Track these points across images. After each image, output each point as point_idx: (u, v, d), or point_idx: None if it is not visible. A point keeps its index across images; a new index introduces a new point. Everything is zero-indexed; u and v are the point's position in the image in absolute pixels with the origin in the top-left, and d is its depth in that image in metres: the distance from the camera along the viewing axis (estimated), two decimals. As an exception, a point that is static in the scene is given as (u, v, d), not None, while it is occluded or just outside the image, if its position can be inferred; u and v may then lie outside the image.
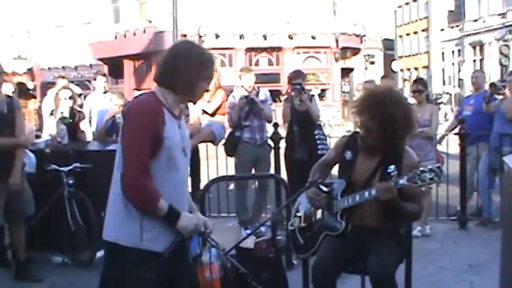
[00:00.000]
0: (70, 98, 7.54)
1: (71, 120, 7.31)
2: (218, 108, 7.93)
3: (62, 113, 7.30)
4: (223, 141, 7.84)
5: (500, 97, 8.04)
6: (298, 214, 4.52)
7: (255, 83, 7.79)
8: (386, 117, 3.81)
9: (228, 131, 7.81)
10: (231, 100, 7.77)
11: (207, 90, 3.27)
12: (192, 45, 3.17)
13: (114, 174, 3.05)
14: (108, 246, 3.05)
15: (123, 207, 2.96)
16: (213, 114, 7.85)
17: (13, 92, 8.18)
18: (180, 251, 3.19)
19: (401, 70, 49.77)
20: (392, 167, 3.91)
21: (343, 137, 4.42)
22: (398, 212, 3.88)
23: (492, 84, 8.39)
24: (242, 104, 7.48)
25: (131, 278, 2.97)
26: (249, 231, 6.36)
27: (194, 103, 3.32)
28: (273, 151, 7.93)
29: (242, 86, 7.74)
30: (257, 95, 7.54)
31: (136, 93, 33.49)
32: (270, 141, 7.92)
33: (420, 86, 7.60)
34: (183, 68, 3.02)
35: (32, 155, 6.33)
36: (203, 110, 7.74)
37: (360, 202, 3.94)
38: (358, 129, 4.17)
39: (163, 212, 2.94)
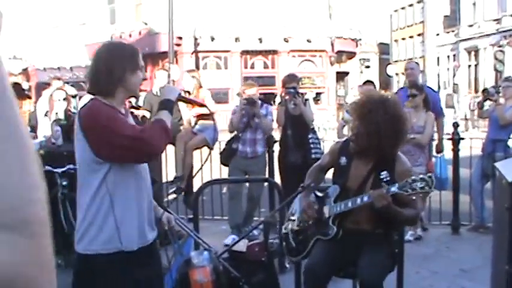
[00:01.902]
0: (64, 99, 7.54)
1: (65, 122, 7.31)
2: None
3: (56, 114, 7.29)
4: (220, 149, 7.82)
5: (492, 103, 8.04)
6: (292, 218, 4.53)
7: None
8: (374, 123, 3.84)
9: (226, 135, 7.79)
10: (234, 108, 7.79)
11: (145, 79, 3.26)
12: (110, 44, 3.31)
13: (79, 187, 3.08)
14: (85, 259, 3.03)
15: (94, 217, 2.99)
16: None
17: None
18: (153, 252, 3.21)
19: (397, 74, 49.78)
20: (384, 173, 3.93)
21: (337, 143, 4.44)
22: (394, 217, 3.90)
23: (485, 90, 8.40)
24: (243, 105, 7.48)
25: (113, 283, 3.00)
26: (236, 237, 6.36)
27: (136, 97, 3.34)
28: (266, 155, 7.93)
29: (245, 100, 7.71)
30: (260, 106, 7.50)
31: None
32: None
33: (414, 90, 7.47)
34: (108, 68, 3.01)
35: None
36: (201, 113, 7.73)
37: (352, 208, 3.96)
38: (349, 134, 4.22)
39: (166, 112, 3.11)
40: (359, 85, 9.16)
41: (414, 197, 3.82)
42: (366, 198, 3.84)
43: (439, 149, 8.03)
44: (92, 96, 3.09)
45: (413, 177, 3.70)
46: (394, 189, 3.72)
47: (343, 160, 4.16)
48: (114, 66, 3.01)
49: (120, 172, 2.99)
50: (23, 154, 0.78)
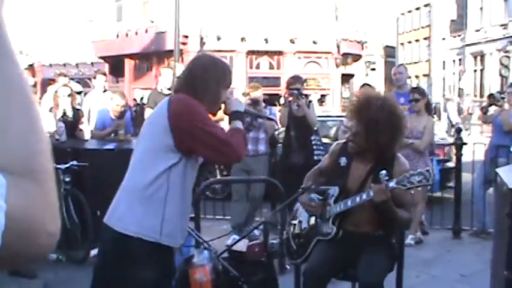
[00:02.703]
0: (69, 95, 7.57)
1: (72, 118, 7.34)
2: None
3: (64, 110, 7.33)
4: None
5: (496, 108, 8.04)
6: (293, 222, 4.54)
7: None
8: (370, 121, 3.87)
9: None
10: None
11: (228, 98, 3.37)
12: (212, 57, 3.41)
13: (135, 167, 3.13)
14: (121, 239, 3.02)
15: (146, 202, 3.02)
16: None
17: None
18: (172, 253, 3.25)
19: (402, 77, 49.80)
20: (383, 172, 3.95)
21: (337, 144, 4.45)
22: (389, 216, 3.90)
23: (491, 95, 8.38)
24: (247, 104, 7.50)
25: (143, 272, 3.01)
26: (237, 237, 6.37)
27: (214, 115, 3.41)
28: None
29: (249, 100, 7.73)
30: (264, 108, 7.52)
31: (137, 92, 33.57)
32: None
33: (416, 94, 7.44)
34: (211, 79, 3.19)
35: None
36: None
37: (352, 207, 3.97)
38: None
39: (238, 125, 3.27)
40: (359, 89, 9.16)
41: (412, 191, 3.82)
42: (364, 196, 3.86)
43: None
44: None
45: (411, 172, 3.73)
46: (392, 184, 3.74)
47: (343, 161, 4.17)
48: (214, 80, 3.20)
49: (185, 169, 3.06)
50: (31, 111, 0.91)
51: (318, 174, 4.42)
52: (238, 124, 3.25)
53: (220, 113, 7.93)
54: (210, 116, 3.24)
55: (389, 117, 3.93)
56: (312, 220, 4.33)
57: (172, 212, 3.03)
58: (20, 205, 0.85)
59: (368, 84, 9.39)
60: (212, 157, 3.26)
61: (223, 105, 3.30)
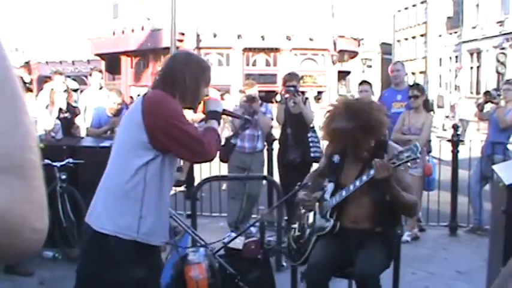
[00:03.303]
0: (65, 91, 7.55)
1: (69, 114, 7.32)
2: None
3: (60, 107, 7.33)
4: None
5: (494, 105, 8.05)
6: (294, 225, 4.53)
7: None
8: (352, 115, 3.90)
9: (226, 134, 7.81)
10: (234, 107, 7.80)
11: (207, 95, 3.35)
12: (190, 54, 3.40)
13: (112, 165, 3.12)
14: (99, 238, 3.01)
15: (122, 200, 2.99)
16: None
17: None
18: (159, 254, 3.24)
19: (399, 74, 49.80)
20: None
21: (328, 146, 4.46)
22: (393, 196, 3.88)
23: (487, 92, 8.38)
24: (243, 101, 7.49)
25: (123, 271, 2.98)
26: (233, 235, 6.37)
27: (195, 111, 3.40)
28: (266, 153, 7.94)
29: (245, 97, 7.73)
30: (260, 105, 7.51)
31: (133, 89, 33.56)
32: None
33: (416, 91, 7.44)
34: (188, 76, 3.16)
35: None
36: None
37: (347, 195, 3.97)
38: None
39: (213, 124, 3.27)
40: (358, 87, 9.16)
41: (402, 168, 3.82)
42: (365, 177, 3.86)
43: (427, 150, 8.02)
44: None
45: (399, 149, 3.73)
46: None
47: (336, 158, 4.18)
48: (195, 78, 3.19)
49: (162, 165, 3.03)
50: (17, 104, 0.88)
51: (317, 175, 4.42)
52: (214, 124, 3.28)
53: (189, 115, 7.98)
54: (192, 113, 3.27)
55: (369, 111, 3.97)
56: (311, 218, 4.33)
57: (150, 210, 3.01)
58: (6, 201, 0.83)
59: (366, 81, 9.39)
60: (185, 155, 3.30)
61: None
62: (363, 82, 9.16)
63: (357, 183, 3.89)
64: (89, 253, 3.12)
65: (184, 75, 3.15)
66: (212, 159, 3.33)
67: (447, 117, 30.10)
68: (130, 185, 2.98)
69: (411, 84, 8.21)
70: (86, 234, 3.11)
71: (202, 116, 7.97)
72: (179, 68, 3.17)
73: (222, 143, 7.59)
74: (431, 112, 7.99)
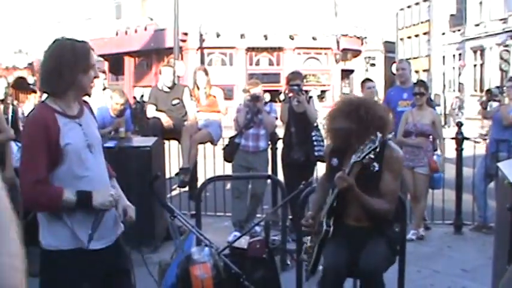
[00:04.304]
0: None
1: None
2: (214, 106, 8.05)
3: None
4: (223, 145, 7.85)
5: (497, 103, 8.02)
6: (305, 239, 4.52)
7: None
8: (353, 115, 3.90)
9: (232, 133, 7.81)
10: (238, 106, 7.80)
11: (96, 77, 3.19)
12: (62, 42, 3.12)
13: None
14: (48, 255, 3.07)
15: (49, 215, 3.01)
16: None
17: (6, 87, 8.13)
18: (118, 249, 3.21)
19: (402, 73, 49.72)
20: (335, 160, 4.01)
21: (327, 146, 4.45)
22: (361, 203, 3.92)
23: (488, 91, 8.36)
24: (247, 101, 7.49)
25: (70, 280, 3.00)
26: (238, 234, 6.37)
27: (89, 95, 3.24)
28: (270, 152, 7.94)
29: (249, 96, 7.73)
30: (264, 104, 7.51)
31: (136, 90, 33.56)
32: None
33: (422, 88, 7.46)
34: (58, 69, 2.97)
35: (20, 149, 6.34)
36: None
37: (333, 201, 3.97)
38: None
39: (73, 201, 2.92)
40: (361, 85, 9.16)
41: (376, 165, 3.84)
42: (336, 189, 3.91)
43: (433, 148, 8.02)
44: (42, 99, 3.13)
45: (366, 142, 3.74)
46: (352, 160, 3.81)
47: (335, 161, 4.17)
48: (67, 68, 2.96)
49: (62, 171, 2.97)
50: (3, 222, 0.83)
51: (325, 180, 4.39)
52: (69, 194, 2.93)
53: (192, 115, 8.01)
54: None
55: (366, 111, 3.98)
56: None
57: (76, 216, 2.98)
58: None
59: (369, 79, 9.38)
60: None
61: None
62: (367, 80, 9.16)
63: (336, 189, 3.92)
64: (43, 274, 3.23)
65: (58, 69, 2.98)
66: (30, 209, 3.19)
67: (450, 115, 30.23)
68: None
69: (415, 82, 8.20)
70: None
71: (203, 114, 8.03)
72: (49, 63, 3.04)
73: (226, 142, 7.63)
74: (436, 108, 7.99)
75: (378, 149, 3.72)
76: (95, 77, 3.13)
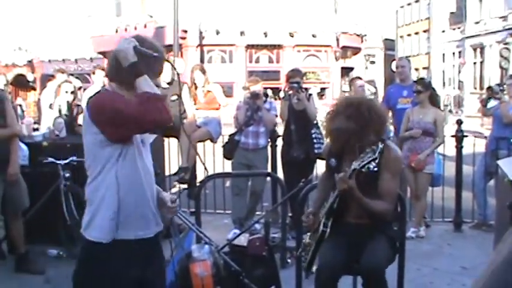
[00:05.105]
0: (72, 92, 7.56)
1: (67, 115, 7.32)
2: (212, 103, 8.05)
3: (59, 106, 7.32)
4: (223, 142, 7.84)
5: (497, 101, 8.01)
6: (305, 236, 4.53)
7: None
8: (352, 115, 3.91)
9: (229, 129, 7.80)
10: (238, 104, 7.79)
11: (160, 72, 3.23)
12: (144, 40, 3.15)
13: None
14: (87, 245, 3.05)
15: (96, 204, 3.00)
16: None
17: (5, 85, 8.15)
18: (155, 247, 3.20)
19: (402, 70, 49.70)
20: (332, 160, 4.01)
21: (326, 145, 4.46)
22: (360, 205, 3.92)
23: (489, 88, 8.35)
24: (247, 98, 7.49)
25: (105, 271, 2.98)
26: (238, 232, 6.36)
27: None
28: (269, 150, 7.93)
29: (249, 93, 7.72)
30: (264, 102, 7.50)
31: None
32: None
33: (420, 86, 7.41)
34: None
35: (24, 147, 6.34)
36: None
37: (333, 202, 3.98)
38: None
39: (143, 79, 2.93)
40: (349, 82, 9.15)
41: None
42: (337, 191, 3.92)
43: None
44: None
45: (367, 150, 3.74)
46: (353, 167, 3.80)
47: (333, 162, 4.17)
48: (142, 65, 2.99)
49: (122, 162, 2.98)
50: None
51: (325, 179, 4.39)
52: (146, 82, 2.94)
53: (191, 113, 7.99)
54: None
55: (367, 111, 3.99)
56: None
57: (123, 207, 2.98)
58: None
59: (359, 77, 9.38)
60: (113, 135, 2.95)
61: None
62: (357, 78, 9.16)
63: (336, 191, 3.92)
64: (81, 265, 3.15)
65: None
66: (166, 123, 2.97)
67: (450, 111, 30.28)
68: (99, 188, 3.01)
69: (415, 80, 8.18)
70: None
71: (201, 112, 8.02)
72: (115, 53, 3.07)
73: (226, 139, 7.63)
74: (440, 108, 7.96)
75: (377, 160, 3.73)
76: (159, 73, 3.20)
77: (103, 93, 3.09)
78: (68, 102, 7.43)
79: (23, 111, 11.39)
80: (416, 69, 51.67)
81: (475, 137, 8.66)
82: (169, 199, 3.25)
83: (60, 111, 7.31)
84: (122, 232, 2.98)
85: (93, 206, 3.01)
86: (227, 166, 8.02)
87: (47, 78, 23.88)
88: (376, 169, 3.89)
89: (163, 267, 3.36)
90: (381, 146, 3.75)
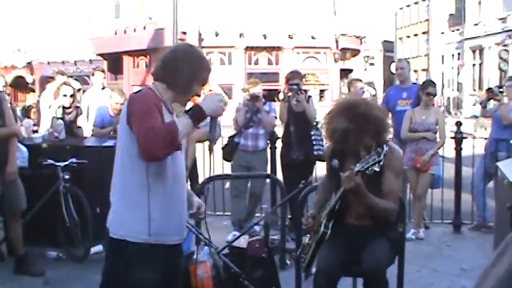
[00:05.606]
0: (71, 96, 7.55)
1: (62, 118, 7.32)
2: None
3: (58, 107, 7.32)
4: (222, 144, 7.82)
5: (497, 102, 8.02)
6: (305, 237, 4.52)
7: None
8: (351, 116, 3.91)
9: (229, 131, 7.79)
10: (237, 106, 7.79)
11: (198, 95, 3.28)
12: (194, 48, 3.23)
13: (117, 170, 3.08)
14: (115, 243, 3.05)
15: (130, 204, 3.01)
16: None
17: (4, 86, 8.13)
18: (179, 252, 3.22)
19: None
20: (335, 161, 4.01)
21: (328, 146, 4.45)
22: (367, 203, 3.91)
23: (489, 89, 8.35)
24: (246, 100, 7.49)
25: (137, 273, 2.99)
26: (237, 234, 6.35)
27: (184, 105, 3.30)
28: (269, 151, 7.93)
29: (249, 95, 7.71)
30: (264, 104, 7.50)
31: (136, 89, 33.62)
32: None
33: (433, 89, 7.49)
34: (185, 68, 3.06)
35: (24, 148, 6.34)
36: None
37: (335, 203, 3.97)
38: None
39: (188, 122, 2.95)
40: (347, 84, 9.14)
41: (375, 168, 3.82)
42: (342, 189, 3.90)
43: None
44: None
45: (371, 153, 3.74)
46: (356, 168, 3.78)
47: (335, 162, 4.17)
48: (192, 71, 3.09)
49: (163, 165, 2.99)
50: None
51: (325, 183, 4.39)
52: (182, 121, 2.95)
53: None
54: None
55: (365, 113, 3.97)
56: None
57: (159, 211, 3.00)
58: None
59: (359, 79, 9.37)
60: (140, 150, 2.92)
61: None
62: (356, 80, 9.16)
63: (341, 189, 3.92)
64: (108, 256, 3.15)
65: (183, 67, 3.07)
66: (149, 160, 2.94)
67: (449, 112, 30.32)
68: (135, 189, 2.99)
69: (424, 81, 8.17)
70: (107, 237, 3.13)
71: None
72: (181, 60, 3.09)
73: (225, 141, 7.62)
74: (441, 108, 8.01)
75: (382, 162, 3.72)
76: (197, 95, 3.28)
77: (147, 96, 3.06)
78: (63, 106, 7.41)
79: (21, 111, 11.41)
80: (416, 71, 51.68)
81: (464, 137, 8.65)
82: (197, 204, 3.28)
83: (54, 116, 7.30)
84: (153, 237, 3.01)
85: (126, 205, 3.03)
86: (226, 168, 8.01)
87: (46, 80, 23.93)
88: (379, 169, 3.89)
89: (180, 271, 3.41)
90: (386, 148, 3.75)
